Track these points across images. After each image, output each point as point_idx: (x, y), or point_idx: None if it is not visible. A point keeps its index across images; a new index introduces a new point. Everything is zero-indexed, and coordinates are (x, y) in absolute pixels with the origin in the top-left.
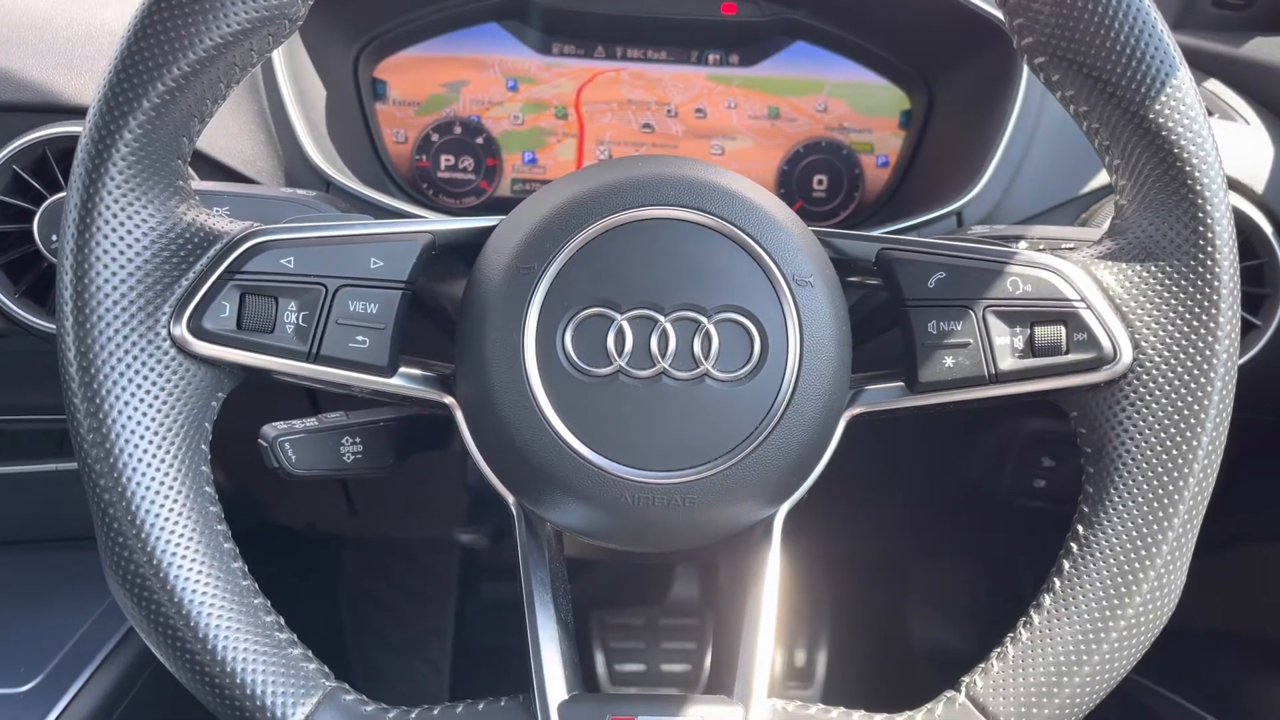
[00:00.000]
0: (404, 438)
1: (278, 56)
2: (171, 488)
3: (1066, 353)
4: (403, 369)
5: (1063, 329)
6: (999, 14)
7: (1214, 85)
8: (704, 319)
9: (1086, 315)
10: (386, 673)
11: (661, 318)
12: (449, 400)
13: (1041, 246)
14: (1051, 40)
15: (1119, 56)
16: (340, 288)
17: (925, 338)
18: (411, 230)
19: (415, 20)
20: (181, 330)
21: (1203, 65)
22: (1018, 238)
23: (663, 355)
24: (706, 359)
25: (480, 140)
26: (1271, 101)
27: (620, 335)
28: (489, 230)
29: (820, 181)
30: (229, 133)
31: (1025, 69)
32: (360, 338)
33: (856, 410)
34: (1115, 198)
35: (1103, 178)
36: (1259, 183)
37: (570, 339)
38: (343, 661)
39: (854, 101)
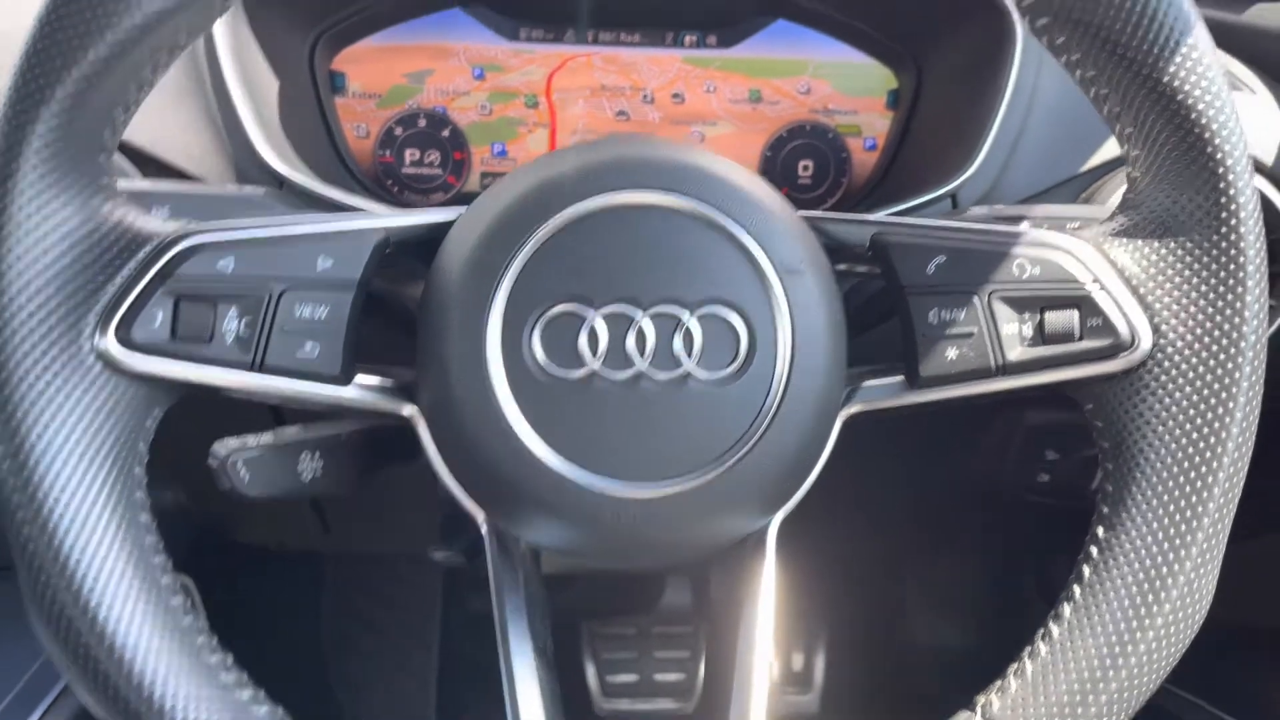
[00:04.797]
0: (368, 452)
1: (223, 46)
2: (100, 518)
3: (1080, 340)
4: (359, 378)
5: (1075, 314)
6: None
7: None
8: (685, 314)
9: (1101, 298)
10: (370, 688)
11: (639, 314)
12: (408, 411)
13: (1047, 226)
14: (1056, 0)
15: (1130, 15)
16: (285, 291)
17: (926, 328)
18: (362, 227)
19: (374, 7)
20: (108, 343)
21: None
22: (1021, 218)
23: (641, 355)
24: (689, 358)
25: (446, 133)
26: (1277, 69)
27: (594, 334)
28: (448, 225)
29: (805, 167)
30: (175, 129)
31: (1019, 41)
32: (309, 345)
33: (853, 409)
34: (1127, 170)
35: (1104, 154)
36: (1269, 154)
37: (539, 340)
38: (324, 677)
39: (839, 82)
